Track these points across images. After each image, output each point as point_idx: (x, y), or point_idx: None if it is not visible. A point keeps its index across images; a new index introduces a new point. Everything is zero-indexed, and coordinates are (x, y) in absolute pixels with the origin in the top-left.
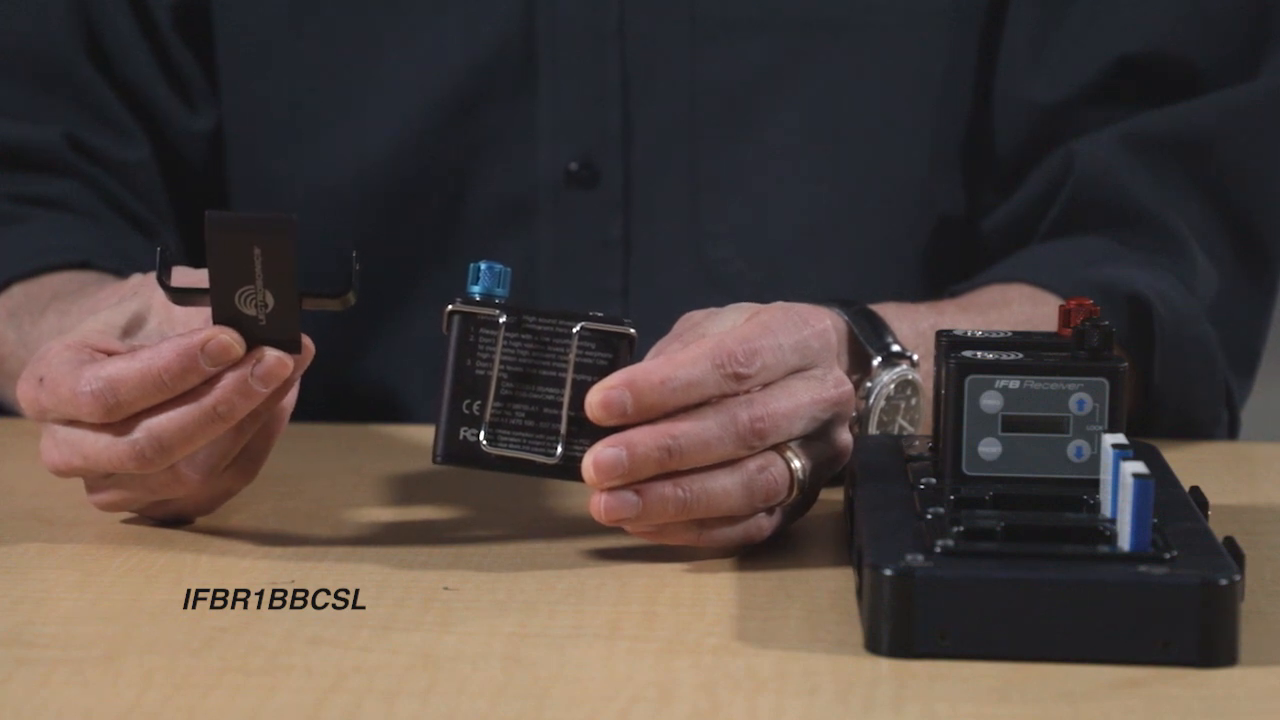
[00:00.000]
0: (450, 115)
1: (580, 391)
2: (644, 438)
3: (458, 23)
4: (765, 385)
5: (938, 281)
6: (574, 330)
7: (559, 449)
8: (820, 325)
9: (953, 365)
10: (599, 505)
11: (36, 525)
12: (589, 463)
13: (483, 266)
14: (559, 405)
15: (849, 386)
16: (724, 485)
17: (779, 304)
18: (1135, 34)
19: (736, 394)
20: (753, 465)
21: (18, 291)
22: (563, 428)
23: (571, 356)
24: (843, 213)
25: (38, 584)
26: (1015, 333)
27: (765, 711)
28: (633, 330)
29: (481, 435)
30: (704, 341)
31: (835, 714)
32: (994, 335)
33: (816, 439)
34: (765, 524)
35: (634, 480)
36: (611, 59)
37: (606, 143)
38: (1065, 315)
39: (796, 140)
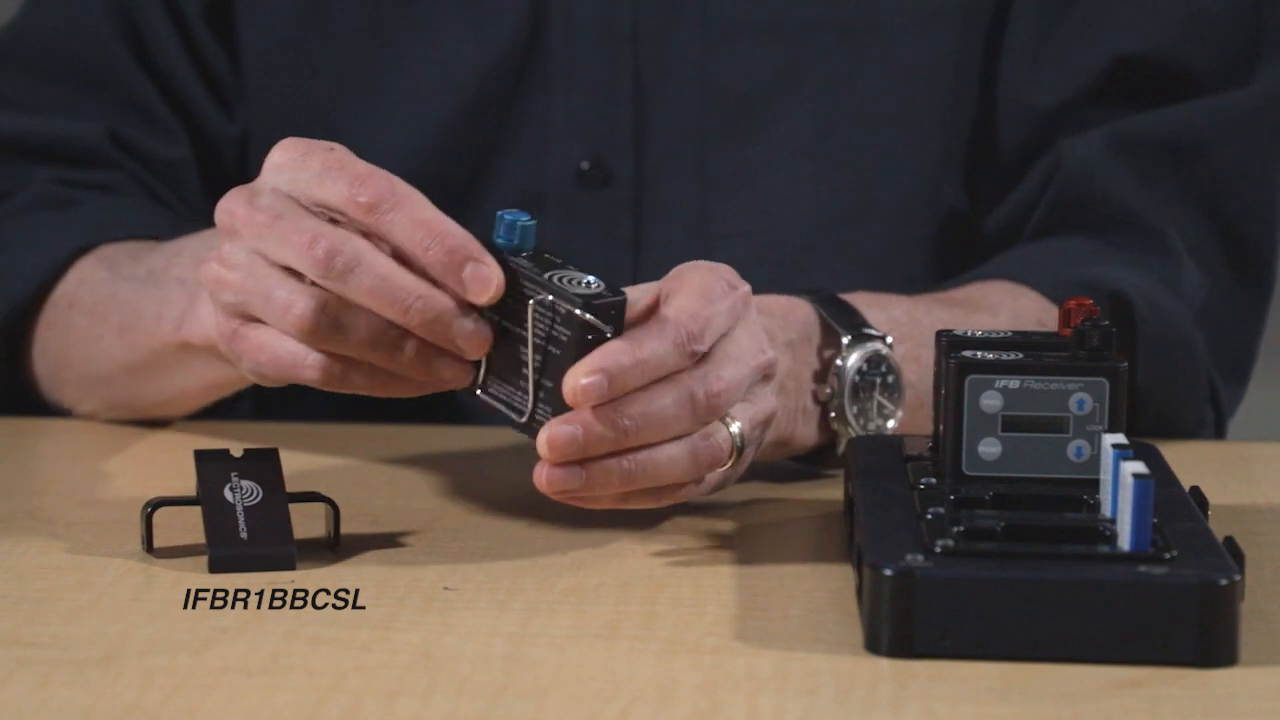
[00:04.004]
0: (466, 116)
1: (545, 359)
2: (600, 416)
3: (473, 25)
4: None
5: (945, 278)
6: (529, 302)
7: (528, 409)
8: (744, 287)
9: (953, 365)
10: (542, 477)
11: (36, 525)
12: (544, 439)
13: (506, 218)
14: (529, 367)
15: (770, 351)
16: (669, 454)
17: (700, 264)
18: (1132, 37)
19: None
20: (697, 434)
21: (108, 249)
22: (530, 390)
23: (529, 325)
24: (852, 213)
25: (38, 584)
26: (1015, 332)
27: (765, 711)
28: (589, 316)
29: (480, 378)
30: (664, 320)
31: (835, 714)
32: (994, 335)
33: (749, 401)
34: (693, 490)
35: (586, 457)
36: (624, 60)
37: (618, 143)
38: (1065, 315)
39: (806, 142)
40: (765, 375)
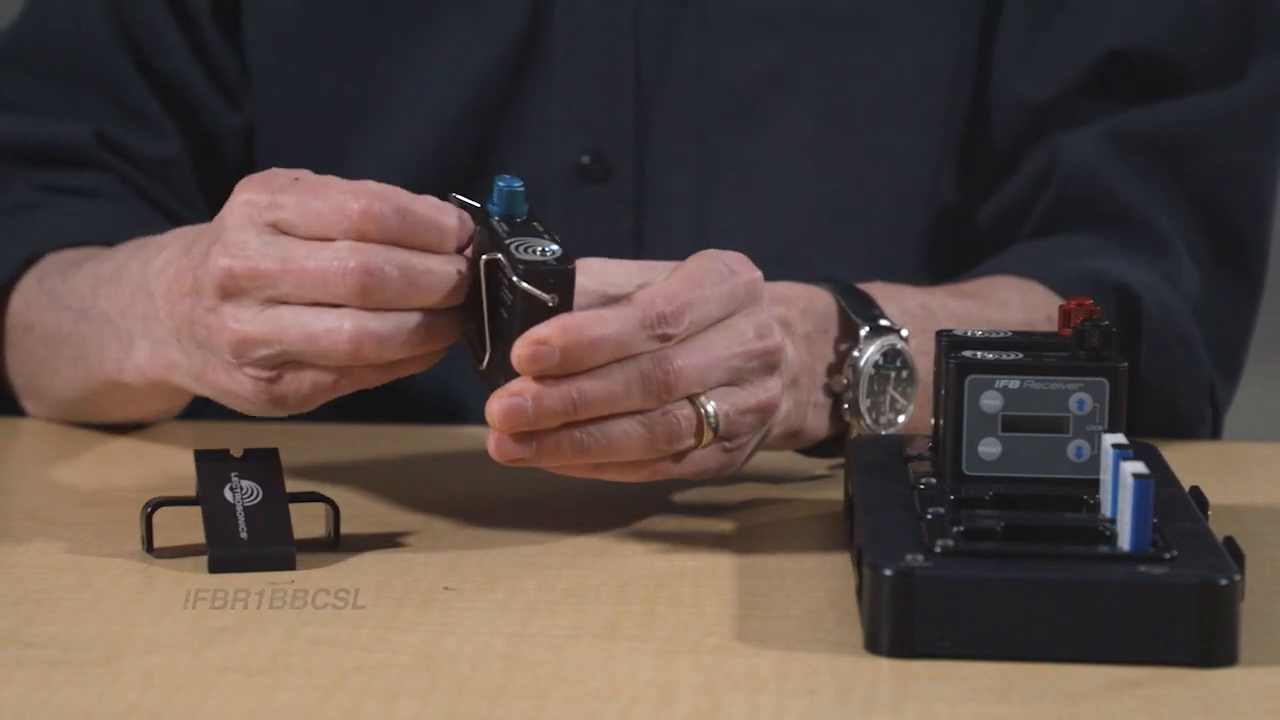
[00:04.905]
0: (468, 112)
1: (496, 318)
2: (552, 391)
3: (476, 21)
4: (686, 338)
5: (941, 272)
6: (481, 259)
7: (486, 358)
8: (750, 275)
9: (953, 365)
10: (493, 445)
11: (36, 525)
12: (494, 408)
13: (498, 184)
14: (484, 321)
15: (776, 338)
16: (624, 429)
17: (707, 252)
18: (1124, 30)
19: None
20: (657, 410)
21: (49, 260)
22: (487, 343)
23: (482, 281)
24: (851, 207)
25: (38, 584)
26: (1015, 333)
27: (765, 711)
28: (525, 285)
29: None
30: (635, 300)
31: (835, 714)
32: (994, 335)
33: (737, 385)
34: (672, 469)
35: (536, 428)
36: (625, 55)
37: (618, 137)
38: (1065, 315)
39: (806, 136)
40: (768, 365)
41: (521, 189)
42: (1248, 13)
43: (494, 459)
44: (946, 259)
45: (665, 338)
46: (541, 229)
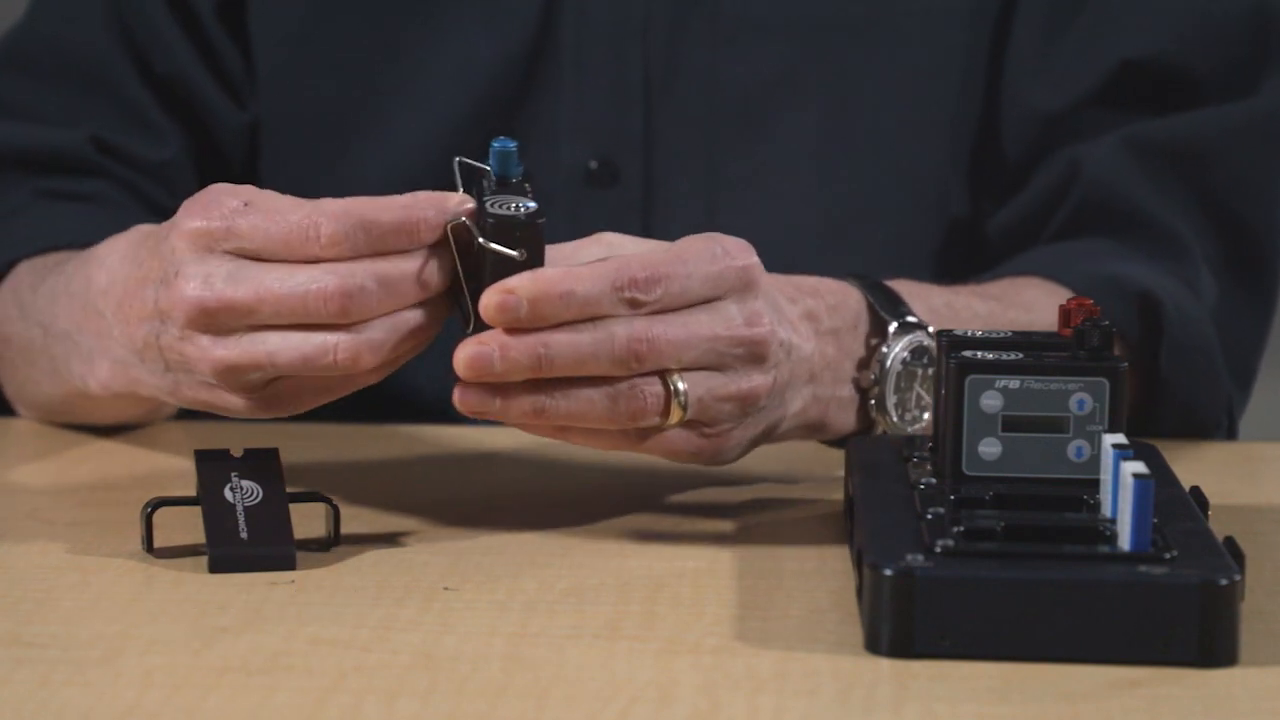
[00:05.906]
0: (476, 114)
1: (469, 272)
2: (519, 342)
3: (486, 22)
4: (662, 310)
5: (949, 282)
6: (447, 224)
7: (472, 323)
8: (745, 261)
9: (953, 365)
10: (458, 395)
11: (36, 525)
12: (461, 356)
13: (493, 145)
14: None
15: (766, 327)
16: (588, 395)
17: (709, 234)
18: (1138, 40)
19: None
20: (623, 381)
21: (22, 268)
22: (468, 300)
23: (452, 243)
24: (858, 213)
25: (38, 584)
26: (1015, 333)
27: (765, 711)
28: (492, 244)
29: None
30: (611, 261)
31: (835, 714)
32: (994, 335)
33: (718, 370)
34: (638, 445)
35: (503, 380)
36: (634, 59)
37: (626, 142)
38: (1065, 315)
39: (814, 141)
40: (754, 354)
41: (514, 149)
42: (1263, 26)
43: (457, 408)
44: (955, 269)
45: (635, 303)
46: (529, 189)
